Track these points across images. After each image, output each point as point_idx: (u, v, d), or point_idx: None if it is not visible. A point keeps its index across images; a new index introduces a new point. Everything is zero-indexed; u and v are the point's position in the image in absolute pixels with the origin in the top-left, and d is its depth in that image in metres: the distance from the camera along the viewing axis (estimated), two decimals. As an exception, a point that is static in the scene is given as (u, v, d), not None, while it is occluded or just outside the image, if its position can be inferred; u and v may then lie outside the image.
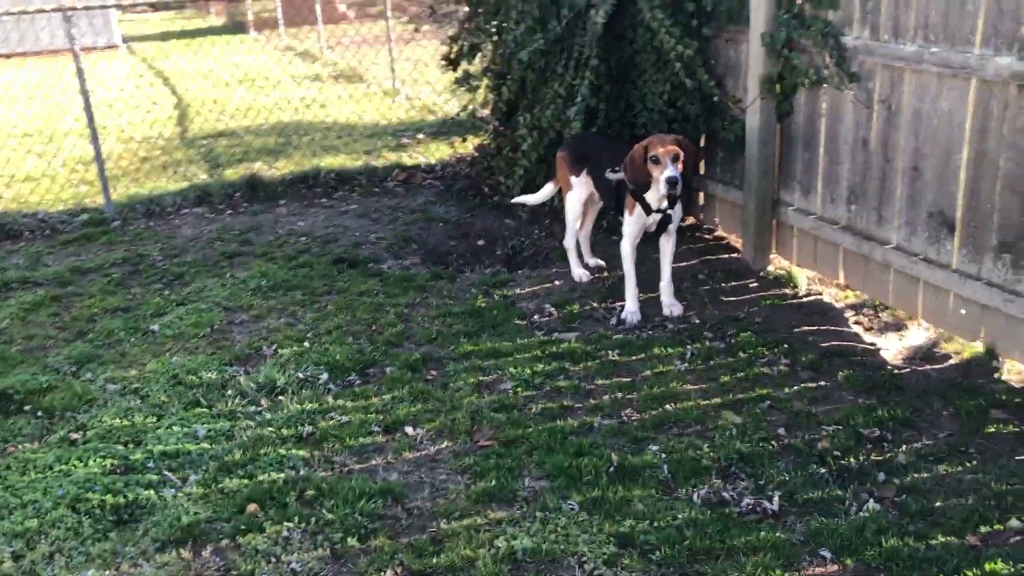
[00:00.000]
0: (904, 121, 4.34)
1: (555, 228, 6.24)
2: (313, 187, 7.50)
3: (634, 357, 4.38)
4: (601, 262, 5.52)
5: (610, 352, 4.42)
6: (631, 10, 5.50)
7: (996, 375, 4.01)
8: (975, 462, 3.42)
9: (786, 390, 4.01)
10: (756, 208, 5.27)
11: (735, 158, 5.54)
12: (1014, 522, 3.05)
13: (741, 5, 5.14)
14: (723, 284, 5.18)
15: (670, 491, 3.34)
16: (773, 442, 3.61)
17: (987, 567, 2.84)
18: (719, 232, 5.91)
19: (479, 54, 6.81)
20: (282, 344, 4.70)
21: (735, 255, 5.56)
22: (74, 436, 3.92)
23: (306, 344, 4.69)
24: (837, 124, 4.76)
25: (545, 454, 3.57)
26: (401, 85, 11.38)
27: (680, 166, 4.35)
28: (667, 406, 3.91)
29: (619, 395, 4.03)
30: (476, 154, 7.48)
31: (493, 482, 3.40)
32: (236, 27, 19.90)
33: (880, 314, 4.71)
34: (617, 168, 4.75)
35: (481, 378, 4.25)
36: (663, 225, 4.71)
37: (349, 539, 3.14)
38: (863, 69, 4.51)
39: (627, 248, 4.77)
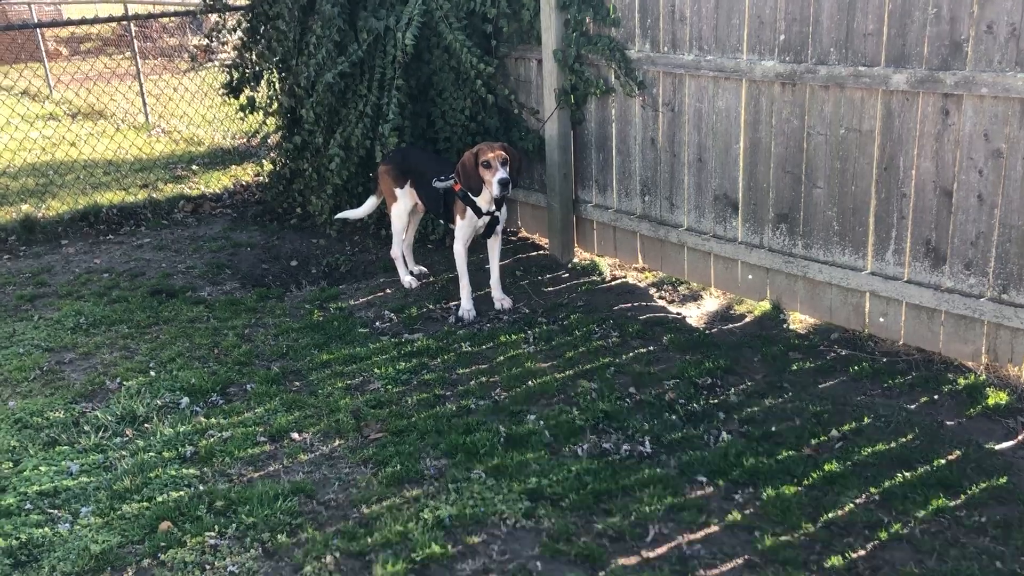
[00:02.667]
0: (687, 120, 5.07)
1: (368, 243, 6.49)
2: (96, 224, 7.19)
3: (484, 347, 4.75)
4: (424, 268, 5.85)
5: (462, 344, 4.77)
6: (427, 32, 5.89)
7: (784, 325, 4.81)
8: (790, 393, 4.13)
9: (624, 356, 4.56)
10: (560, 208, 5.84)
11: (533, 165, 6.09)
12: (834, 432, 3.76)
13: (530, 27, 5.70)
14: (539, 277, 5.70)
15: (557, 451, 3.75)
16: (628, 400, 4.13)
17: (826, 468, 3.50)
18: (523, 233, 6.44)
19: (263, 80, 6.92)
20: (125, 377, 4.59)
21: (543, 252, 6.11)
22: (-73, 493, 3.66)
23: (152, 374, 4.62)
24: (627, 127, 5.43)
25: (437, 436, 3.86)
26: (155, 119, 11.01)
27: (508, 169, 4.80)
28: (529, 383, 4.32)
29: (483, 379, 4.39)
30: (267, 180, 7.52)
31: (398, 467, 3.64)
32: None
33: (678, 288, 5.42)
34: (443, 177, 5.11)
35: (348, 382, 4.43)
36: (491, 227, 5.13)
37: (278, 536, 3.25)
38: (648, 77, 5.21)
39: (460, 249, 5.14)
